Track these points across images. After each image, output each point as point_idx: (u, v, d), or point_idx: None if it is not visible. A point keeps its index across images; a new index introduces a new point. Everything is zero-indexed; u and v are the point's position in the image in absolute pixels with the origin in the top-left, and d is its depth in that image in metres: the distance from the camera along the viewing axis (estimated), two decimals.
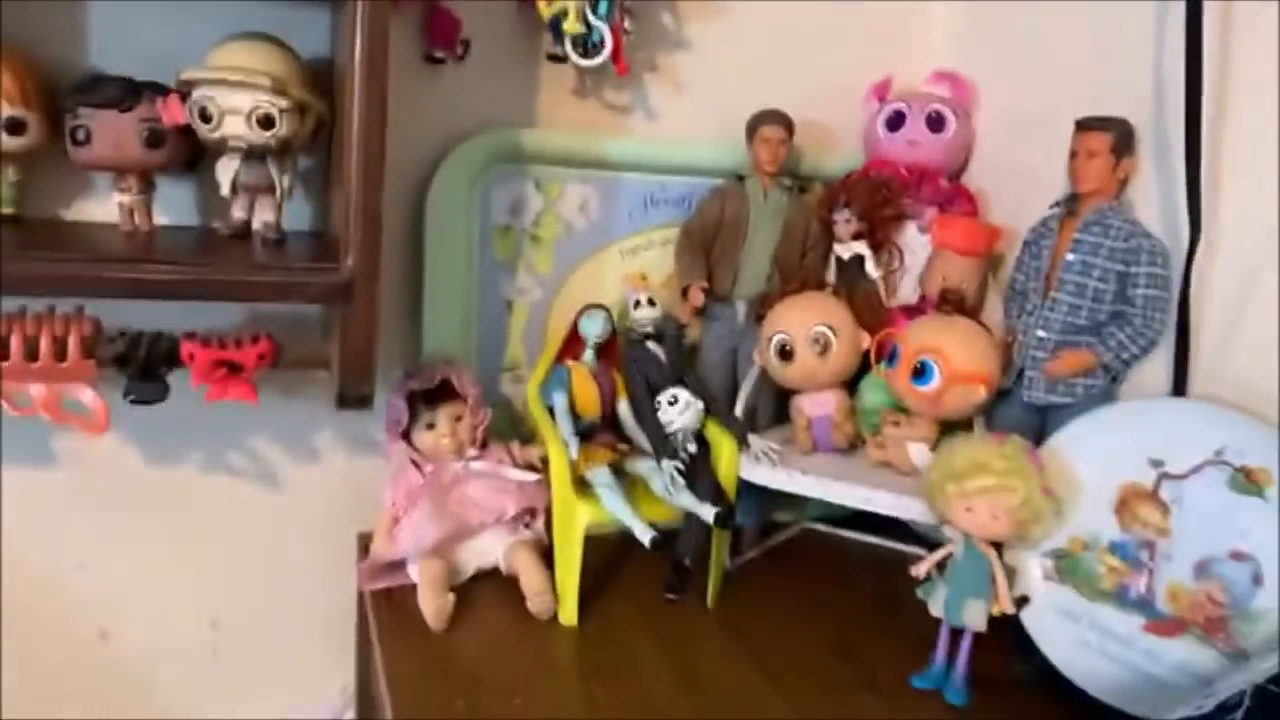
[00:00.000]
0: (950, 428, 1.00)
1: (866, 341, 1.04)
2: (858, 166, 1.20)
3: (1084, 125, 0.97)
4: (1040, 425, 0.99)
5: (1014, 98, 1.16)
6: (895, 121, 1.16)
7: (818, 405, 1.04)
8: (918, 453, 0.99)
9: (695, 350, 1.17)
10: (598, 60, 1.04)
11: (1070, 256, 0.97)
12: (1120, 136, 0.95)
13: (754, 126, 1.11)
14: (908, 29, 1.26)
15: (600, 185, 1.15)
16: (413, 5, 1.00)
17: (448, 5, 1.02)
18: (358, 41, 0.82)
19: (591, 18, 1.02)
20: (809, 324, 1.02)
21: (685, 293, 1.12)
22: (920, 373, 0.97)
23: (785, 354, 1.03)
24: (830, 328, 1.02)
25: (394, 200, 1.03)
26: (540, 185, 1.12)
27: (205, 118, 0.87)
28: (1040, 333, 0.99)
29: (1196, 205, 0.88)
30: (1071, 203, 0.99)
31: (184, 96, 0.88)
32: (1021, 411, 1.01)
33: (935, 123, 1.15)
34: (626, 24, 1.05)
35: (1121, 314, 0.95)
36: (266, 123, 0.87)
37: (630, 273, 1.17)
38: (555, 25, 1.02)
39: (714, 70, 1.18)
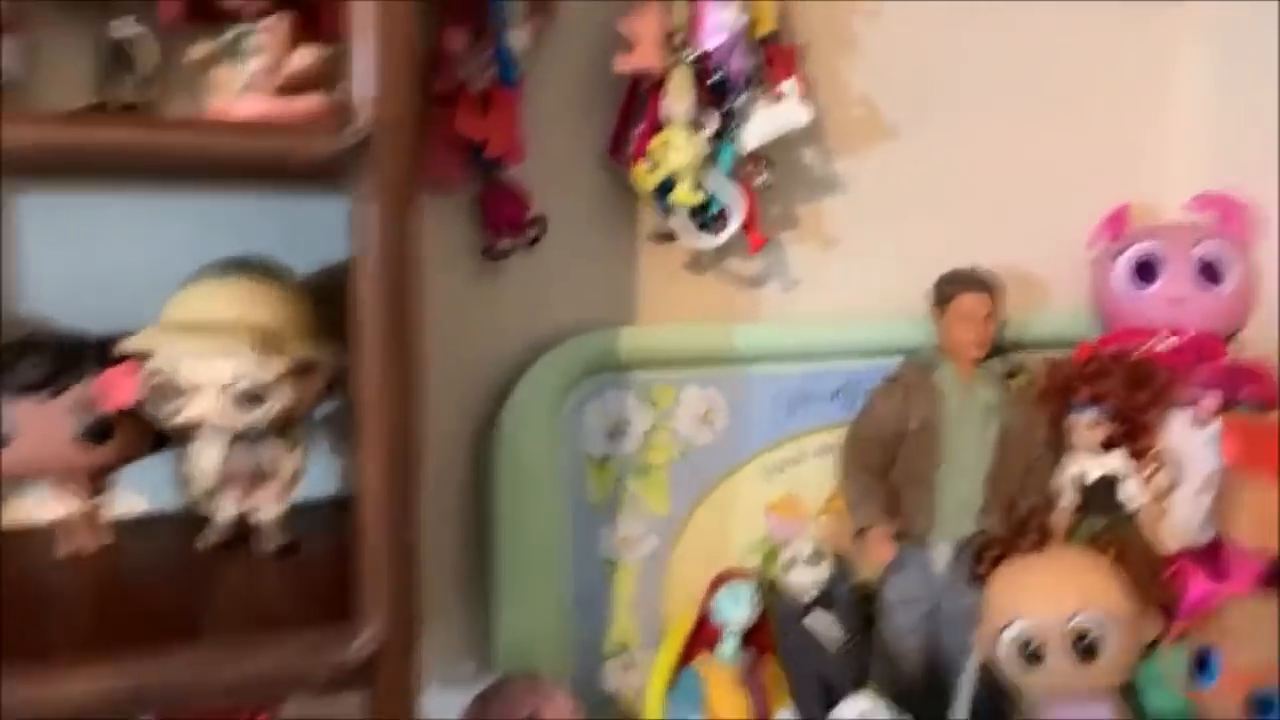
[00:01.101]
0: None
1: (1154, 630, 0.69)
2: (1082, 331, 0.86)
3: None
4: None
5: None
6: (1146, 270, 0.82)
7: None
8: None
9: (872, 600, 0.84)
10: (724, 236, 0.74)
11: None
12: None
13: (948, 295, 0.79)
14: (1135, 144, 0.92)
15: (728, 385, 0.83)
16: (461, 183, 0.72)
17: (508, 178, 0.73)
18: (371, 277, 0.53)
19: (712, 181, 0.72)
20: (1066, 612, 0.68)
21: (860, 532, 0.80)
22: (1265, 709, 0.61)
23: (1032, 656, 0.69)
24: (1101, 618, 0.67)
25: (453, 440, 0.77)
26: (647, 395, 0.82)
27: (167, 396, 0.59)
28: None
29: None
30: None
31: (140, 362, 0.60)
32: None
33: (1209, 270, 0.81)
34: (761, 178, 0.75)
35: None
36: (252, 399, 0.59)
37: (776, 501, 0.85)
38: (663, 197, 0.72)
39: (872, 219, 0.86)
